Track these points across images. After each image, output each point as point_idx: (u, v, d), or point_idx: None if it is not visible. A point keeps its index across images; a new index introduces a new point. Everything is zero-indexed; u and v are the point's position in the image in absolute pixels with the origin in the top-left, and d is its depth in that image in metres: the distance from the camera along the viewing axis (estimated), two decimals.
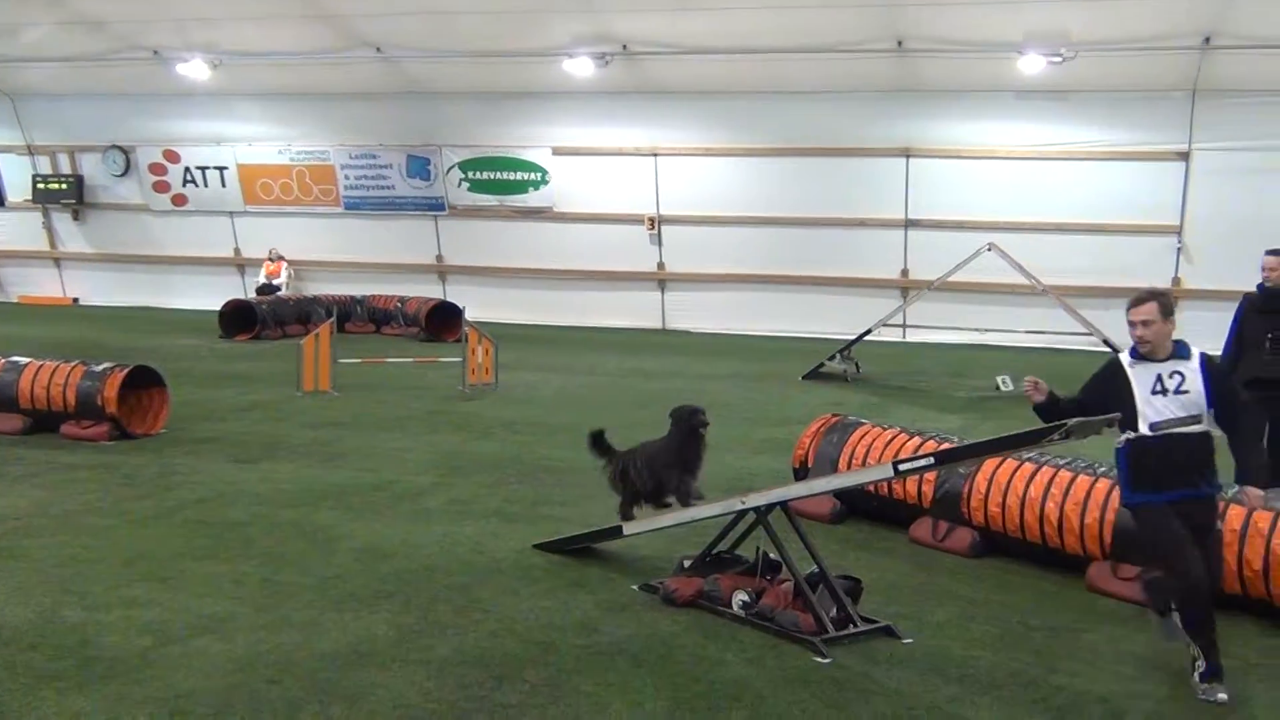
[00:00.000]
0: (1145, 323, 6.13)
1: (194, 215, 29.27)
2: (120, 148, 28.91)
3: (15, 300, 30.37)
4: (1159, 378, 6.10)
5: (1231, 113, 22.48)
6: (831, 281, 25.12)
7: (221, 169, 28.74)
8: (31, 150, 29.66)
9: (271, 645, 6.46)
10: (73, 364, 12.85)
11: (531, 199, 27.24)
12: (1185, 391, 6.06)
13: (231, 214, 29.08)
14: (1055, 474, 8.29)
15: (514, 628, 6.84)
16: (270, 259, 27.47)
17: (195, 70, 25.73)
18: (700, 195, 25.98)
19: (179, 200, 29.20)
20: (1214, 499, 6.24)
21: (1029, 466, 8.46)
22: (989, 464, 8.57)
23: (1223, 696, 5.94)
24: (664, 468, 8.19)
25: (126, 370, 12.58)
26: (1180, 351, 6.17)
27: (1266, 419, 9.76)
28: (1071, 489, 8.10)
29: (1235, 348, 9.94)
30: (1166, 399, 6.07)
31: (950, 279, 18.95)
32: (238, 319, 23.27)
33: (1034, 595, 7.76)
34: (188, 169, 28.87)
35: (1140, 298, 6.22)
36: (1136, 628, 7.13)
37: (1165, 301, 6.21)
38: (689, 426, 8.20)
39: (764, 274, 25.61)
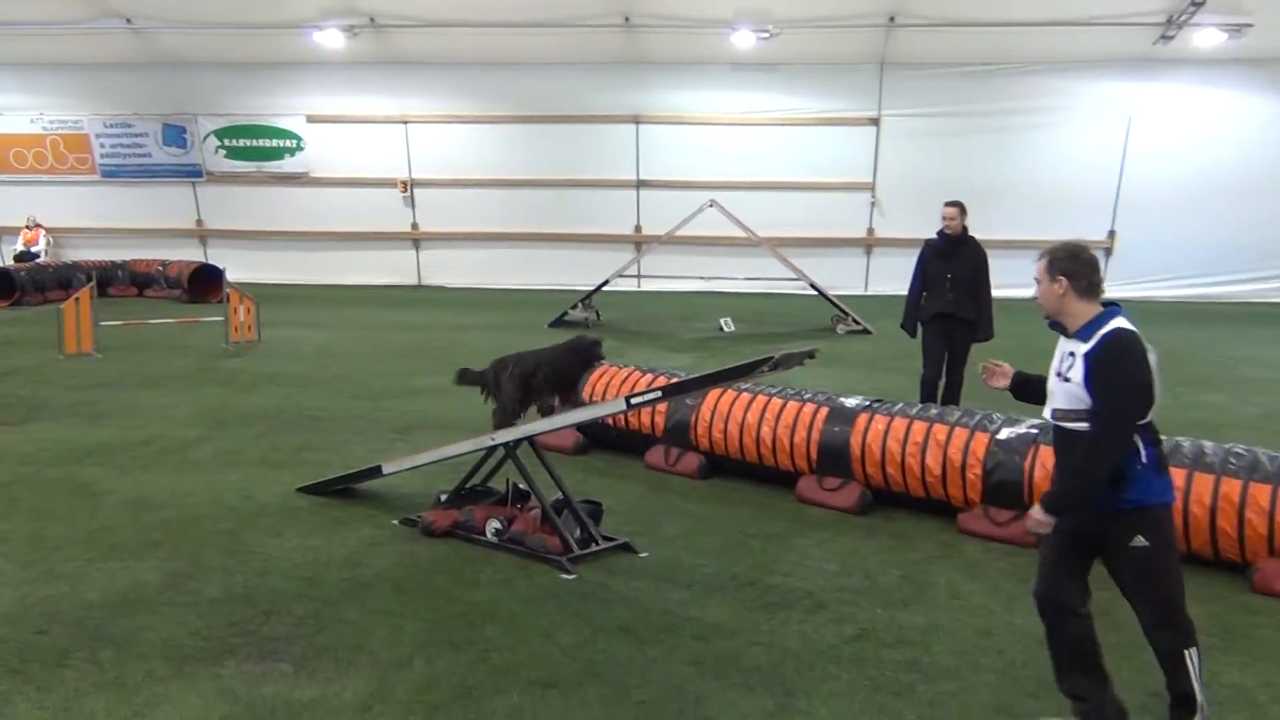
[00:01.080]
0: (1036, 280, 4.60)
1: None
2: None
3: None
4: (1061, 357, 4.59)
5: (914, 83, 23.76)
6: (572, 238, 25.38)
7: None
8: None
9: (38, 598, 6.11)
10: None
11: (288, 165, 26.46)
12: (1068, 380, 4.50)
13: None
14: (769, 401, 8.62)
15: (280, 566, 6.68)
16: (27, 226, 25.71)
17: None
18: (450, 160, 25.76)
19: None
20: (1116, 513, 4.40)
21: (746, 396, 8.77)
22: (713, 395, 8.85)
23: None
24: (546, 384, 7.66)
25: None
26: (1085, 330, 4.46)
27: (946, 349, 10.45)
28: (782, 414, 8.45)
29: (919, 287, 10.51)
30: (1058, 384, 4.55)
31: (677, 233, 19.35)
32: None
33: (752, 508, 8.07)
34: None
35: (1042, 252, 4.66)
36: (837, 531, 7.52)
37: (1056, 259, 4.54)
38: (586, 358, 7.65)
39: (511, 232, 25.66)
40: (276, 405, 11.66)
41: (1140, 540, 4.38)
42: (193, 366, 14.23)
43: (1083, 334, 4.46)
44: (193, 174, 26.74)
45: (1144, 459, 4.38)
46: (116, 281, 23.33)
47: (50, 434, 10.28)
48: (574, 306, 18.97)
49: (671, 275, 22.89)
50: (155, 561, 6.75)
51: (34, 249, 25.41)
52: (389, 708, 4.85)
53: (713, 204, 18.79)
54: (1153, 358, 4.41)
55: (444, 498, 7.54)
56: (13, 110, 26.47)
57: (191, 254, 25.76)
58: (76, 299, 15.40)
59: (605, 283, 19.37)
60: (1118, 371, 4.35)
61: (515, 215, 25.53)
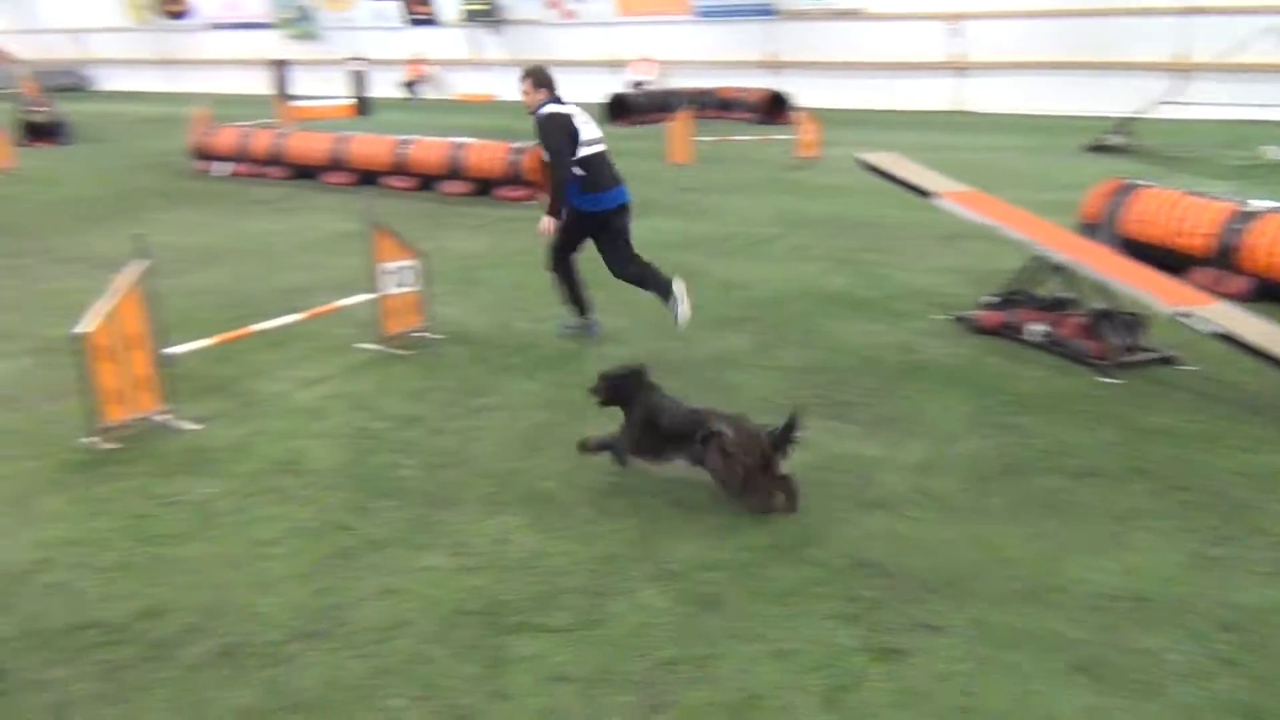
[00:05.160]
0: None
1: (578, 26, 29.48)
2: None
3: (451, 97, 31.80)
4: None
5: None
6: (1106, 65, 22.73)
7: None
8: None
9: (661, 351, 6.68)
10: (500, 143, 13.40)
11: (847, 2, 25.81)
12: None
13: (607, 24, 29.07)
14: None
15: (846, 346, 6.83)
16: (641, 60, 27.47)
17: None
18: None
19: (567, 14, 29.43)
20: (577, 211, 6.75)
21: None
22: (1267, 220, 7.71)
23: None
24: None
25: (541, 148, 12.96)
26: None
27: None
28: None
29: None
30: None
31: (1231, 59, 16.74)
32: (617, 108, 23.48)
33: None
34: None
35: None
36: None
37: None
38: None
39: (1047, 60, 23.47)
40: (838, 211, 11.76)
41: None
42: (767, 177, 14.65)
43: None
44: (767, 13, 27.00)
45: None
46: (707, 105, 24.35)
47: (661, 226, 11.08)
48: (1110, 132, 17.18)
49: (1218, 103, 19.94)
50: (746, 332, 7.15)
51: (646, 78, 27.15)
52: (942, 472, 4.85)
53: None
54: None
55: (992, 300, 7.27)
56: None
57: (765, 82, 26.26)
58: (678, 120, 16.30)
59: (1148, 109, 17.31)
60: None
61: (1054, 43, 23.35)
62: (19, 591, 3.89)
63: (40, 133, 20.11)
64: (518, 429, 5.38)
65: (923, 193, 7.28)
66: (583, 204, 6.62)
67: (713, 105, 24.23)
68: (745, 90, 24.22)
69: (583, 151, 6.53)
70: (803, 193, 13.19)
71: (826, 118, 18.37)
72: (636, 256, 6.88)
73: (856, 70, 25.98)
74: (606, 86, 26.12)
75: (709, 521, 4.37)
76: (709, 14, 27.56)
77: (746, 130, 20.69)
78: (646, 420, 4.65)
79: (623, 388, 4.78)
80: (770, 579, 3.91)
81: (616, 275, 6.90)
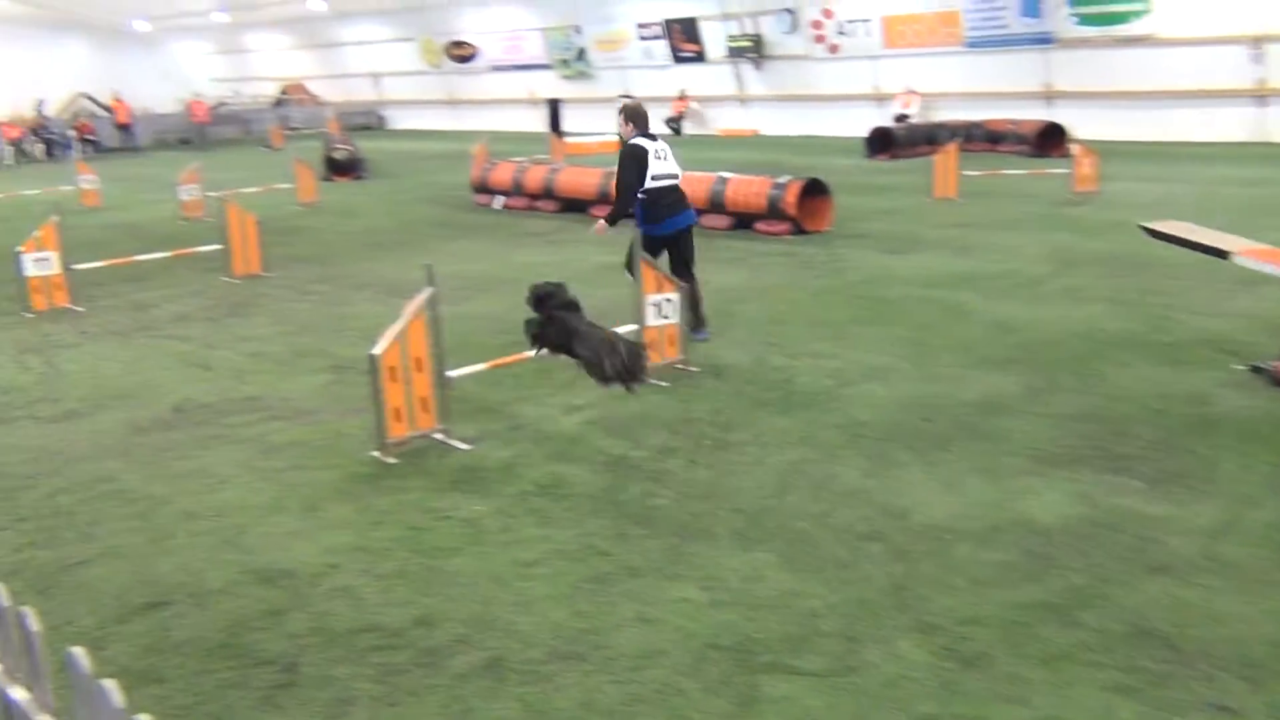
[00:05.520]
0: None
1: (842, 60, 29.26)
2: (789, 10, 29.34)
3: (715, 132, 32.30)
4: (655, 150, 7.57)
5: None
6: None
7: (865, 20, 28.34)
8: (725, 16, 30.94)
9: (923, 392, 6.51)
10: (761, 177, 13.48)
11: (1135, 27, 24.21)
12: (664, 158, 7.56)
13: (873, 57, 28.69)
14: None
15: (1127, 394, 6.37)
16: (904, 93, 26.94)
17: None
18: None
19: (833, 49, 29.28)
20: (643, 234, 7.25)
21: None
22: None
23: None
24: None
25: (802, 182, 12.96)
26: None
27: None
28: None
29: None
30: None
31: None
32: (878, 142, 23.11)
33: None
34: (840, 22, 28.81)
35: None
36: None
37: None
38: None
39: None
40: (1118, 250, 11.00)
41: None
42: (1039, 212, 13.95)
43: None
44: (1044, 41, 25.83)
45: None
46: (974, 138, 23.49)
47: (924, 262, 10.79)
48: None
49: None
50: (1015, 375, 6.81)
51: (907, 111, 26.59)
52: (1240, 538, 4.41)
53: None
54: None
55: None
56: None
57: (1038, 113, 25.07)
58: (945, 153, 15.83)
59: None
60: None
61: None
62: (311, 592, 4.24)
63: (341, 169, 22.08)
64: (771, 465, 5.36)
65: (1220, 254, 6.73)
66: (646, 229, 7.38)
67: (980, 138, 23.33)
68: (1016, 123, 23.19)
69: (649, 184, 7.40)
70: (1080, 229, 12.45)
71: (1106, 150, 17.30)
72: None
73: (1140, 99, 24.30)
74: (871, 120, 25.75)
75: (972, 573, 4.18)
76: (979, 44, 26.63)
77: (1017, 164, 19.81)
78: (552, 321, 6.06)
79: (542, 298, 6.08)
80: (1039, 640, 3.69)
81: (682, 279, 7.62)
